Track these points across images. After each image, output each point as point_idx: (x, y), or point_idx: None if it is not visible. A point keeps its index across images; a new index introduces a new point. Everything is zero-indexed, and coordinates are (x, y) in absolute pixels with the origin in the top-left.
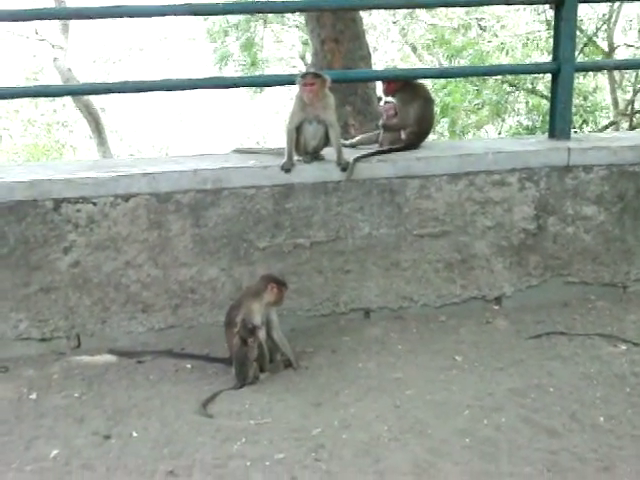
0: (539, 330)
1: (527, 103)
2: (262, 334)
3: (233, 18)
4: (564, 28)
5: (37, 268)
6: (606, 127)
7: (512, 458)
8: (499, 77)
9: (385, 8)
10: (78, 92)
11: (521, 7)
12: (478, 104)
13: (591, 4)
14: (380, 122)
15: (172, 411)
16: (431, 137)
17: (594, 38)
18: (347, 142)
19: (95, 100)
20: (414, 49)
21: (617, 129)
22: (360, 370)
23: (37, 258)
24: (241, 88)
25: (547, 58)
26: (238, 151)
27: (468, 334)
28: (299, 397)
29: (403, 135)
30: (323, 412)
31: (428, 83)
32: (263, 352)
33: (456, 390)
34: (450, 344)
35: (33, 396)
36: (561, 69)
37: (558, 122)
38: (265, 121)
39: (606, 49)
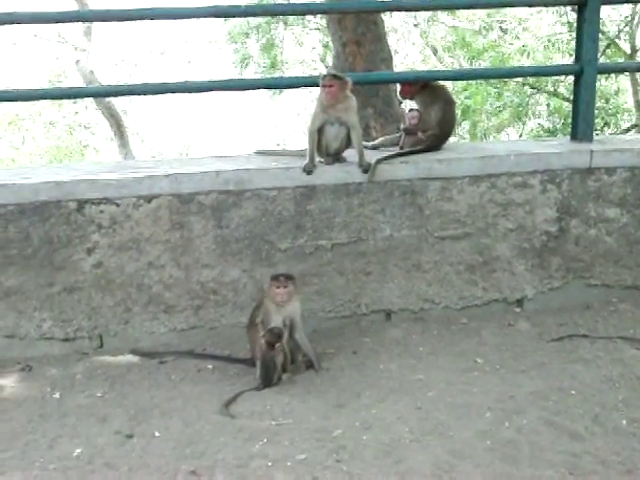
0: (561, 333)
1: (548, 105)
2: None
3: (254, 20)
4: (587, 29)
5: (61, 268)
6: (628, 130)
7: (534, 461)
8: (520, 79)
9: (407, 10)
10: (101, 94)
11: (543, 9)
12: (499, 107)
13: (613, 5)
14: (402, 127)
15: (194, 411)
16: (451, 140)
17: (616, 40)
18: (369, 144)
19: (117, 102)
20: (435, 51)
21: (639, 131)
22: (381, 372)
23: (61, 258)
24: (261, 90)
25: (569, 60)
26: (260, 153)
27: (490, 336)
28: (320, 398)
29: (422, 136)
30: (344, 413)
31: (448, 86)
32: (285, 353)
33: (477, 392)
34: (471, 346)
35: (56, 395)
36: (584, 71)
37: (580, 124)
38: (286, 123)
39: (628, 51)
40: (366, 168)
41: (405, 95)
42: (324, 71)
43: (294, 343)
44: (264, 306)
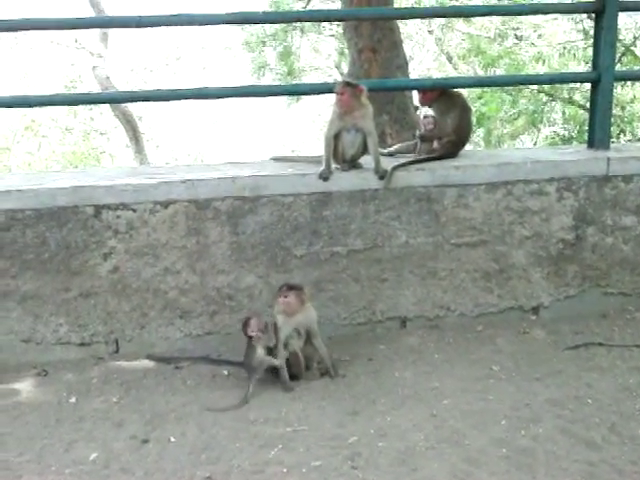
0: (577, 341)
1: (564, 113)
2: (298, 343)
3: (270, 28)
4: (604, 37)
5: (77, 273)
6: None
7: (550, 469)
8: (535, 87)
9: (422, 17)
10: (118, 100)
11: (559, 16)
12: (514, 114)
13: (629, 13)
14: (418, 133)
15: (209, 417)
16: (466, 147)
17: (632, 47)
18: (385, 151)
19: (133, 108)
20: (449, 58)
21: None
22: (396, 379)
23: (77, 263)
24: (278, 97)
25: (584, 68)
26: (276, 159)
27: (505, 344)
28: (335, 405)
29: (436, 144)
30: (359, 420)
31: (464, 93)
32: (299, 360)
33: (493, 400)
34: (487, 354)
35: (72, 400)
36: (601, 78)
37: (597, 132)
38: (301, 129)
39: None
40: (382, 175)
41: (425, 102)
42: (339, 78)
43: (309, 350)
44: (274, 315)
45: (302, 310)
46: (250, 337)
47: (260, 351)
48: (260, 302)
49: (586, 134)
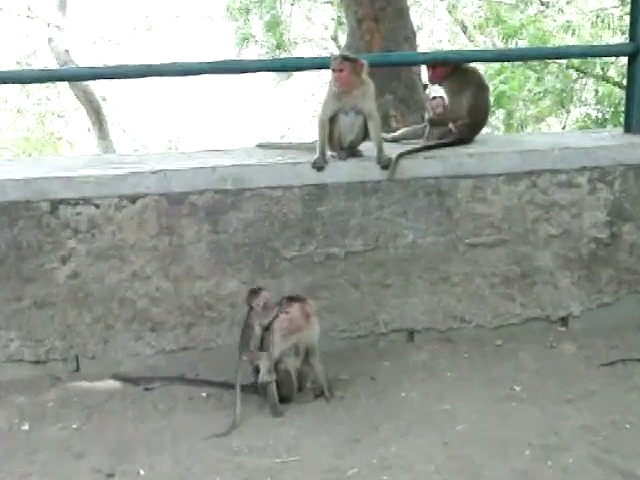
0: (612, 356)
1: (596, 92)
2: (294, 362)
3: None
4: None
5: (31, 280)
6: None
7: None
8: (564, 61)
9: None
10: (78, 77)
11: None
12: (539, 93)
13: None
14: (426, 116)
15: (185, 446)
16: (484, 131)
17: None
18: (388, 136)
19: (95, 87)
20: (464, 28)
21: None
22: (403, 401)
23: (31, 268)
24: (264, 73)
25: (620, 39)
26: (262, 146)
27: (529, 360)
28: (332, 432)
29: (452, 128)
30: (360, 449)
31: (480, 68)
32: (290, 380)
33: (515, 426)
34: (508, 372)
35: (25, 427)
36: (639, 51)
37: (635, 113)
38: (291, 111)
39: None
40: (386, 164)
41: (435, 79)
42: (336, 51)
43: (303, 368)
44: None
45: (305, 326)
46: (251, 307)
47: (257, 330)
48: (244, 312)
49: (622, 116)
